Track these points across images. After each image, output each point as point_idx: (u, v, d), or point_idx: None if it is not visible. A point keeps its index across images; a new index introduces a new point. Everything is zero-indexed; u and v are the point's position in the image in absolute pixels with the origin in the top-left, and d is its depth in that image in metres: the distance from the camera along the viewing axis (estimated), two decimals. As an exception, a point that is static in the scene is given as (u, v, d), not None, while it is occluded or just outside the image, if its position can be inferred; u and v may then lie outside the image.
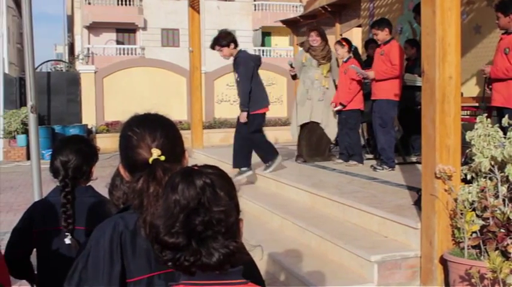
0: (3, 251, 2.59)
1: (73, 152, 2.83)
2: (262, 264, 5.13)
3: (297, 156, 9.24)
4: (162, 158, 1.84)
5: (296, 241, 5.85)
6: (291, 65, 9.14)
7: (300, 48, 18.11)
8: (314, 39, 8.76)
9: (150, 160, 1.84)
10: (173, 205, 1.49)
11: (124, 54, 37.71)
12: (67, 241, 2.71)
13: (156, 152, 1.85)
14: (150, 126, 1.91)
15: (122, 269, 1.82)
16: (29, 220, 2.87)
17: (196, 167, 1.58)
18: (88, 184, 2.92)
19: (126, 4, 39.71)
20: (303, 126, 8.97)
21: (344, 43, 8.65)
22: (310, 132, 8.97)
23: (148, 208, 1.77)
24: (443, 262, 4.45)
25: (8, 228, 7.90)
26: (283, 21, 18.32)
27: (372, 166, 7.95)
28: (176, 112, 21.86)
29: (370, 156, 9.32)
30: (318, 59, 8.78)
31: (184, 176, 1.53)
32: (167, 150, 1.87)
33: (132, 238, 1.83)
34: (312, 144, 9.06)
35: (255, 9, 42.28)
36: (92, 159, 2.92)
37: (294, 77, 9.25)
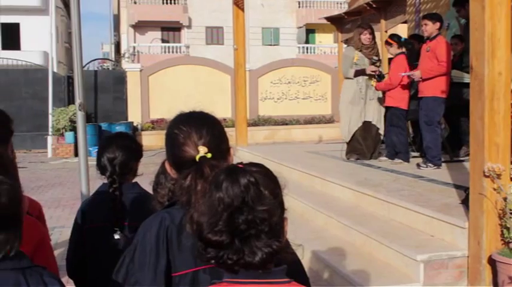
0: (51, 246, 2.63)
1: (119, 148, 2.86)
2: (306, 262, 5.11)
3: (349, 153, 9.14)
4: (209, 155, 1.85)
5: (340, 240, 5.81)
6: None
7: (344, 45, 17.95)
8: (368, 38, 8.73)
9: (197, 157, 1.85)
10: (217, 202, 1.49)
11: (169, 52, 38.07)
12: (116, 236, 2.75)
13: (202, 150, 1.86)
14: (196, 124, 1.92)
15: (167, 263, 1.84)
16: (81, 220, 2.92)
17: (241, 165, 1.57)
18: (134, 181, 2.95)
19: (171, 3, 40.07)
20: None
21: (391, 41, 8.54)
22: (366, 131, 8.90)
23: (196, 205, 1.78)
24: (492, 262, 4.36)
25: (57, 223, 8.11)
26: (328, 18, 18.21)
27: (417, 164, 7.84)
28: (220, 110, 21.97)
29: (416, 154, 9.20)
30: (370, 57, 8.75)
31: (229, 174, 1.53)
32: (213, 147, 1.88)
33: (178, 233, 1.85)
34: (369, 143, 8.99)
35: (299, 7, 42.17)
36: (138, 155, 2.94)
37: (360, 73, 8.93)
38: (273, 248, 1.48)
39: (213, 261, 1.51)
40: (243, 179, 1.50)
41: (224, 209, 1.47)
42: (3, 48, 34.86)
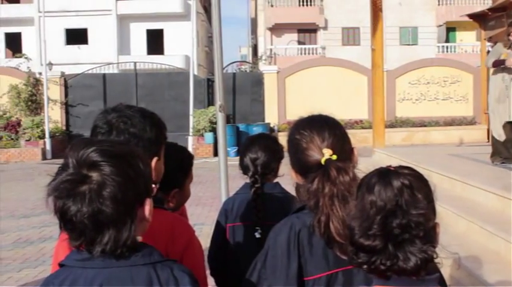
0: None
1: (261, 149, 2.92)
2: (446, 269, 4.92)
3: (493, 156, 8.70)
4: (334, 157, 1.83)
5: (483, 247, 5.55)
6: None
7: (488, 43, 17.14)
8: None
9: (323, 161, 1.84)
10: (369, 206, 1.46)
11: (305, 54, 38.35)
12: (257, 235, 2.80)
13: (327, 152, 1.84)
14: (317, 127, 1.92)
15: (298, 267, 1.84)
16: (224, 218, 3.00)
17: (392, 168, 1.53)
18: (275, 181, 2.98)
19: (307, 5, 40.32)
20: (505, 125, 8.44)
21: None
22: None
23: (324, 209, 1.77)
24: None
25: (197, 220, 8.40)
26: (470, 15, 17.50)
27: None
28: (356, 111, 21.75)
29: None
30: None
31: (381, 176, 1.49)
32: (337, 149, 1.86)
33: (309, 237, 1.85)
34: None
35: (439, 4, 40.85)
36: (279, 156, 2.98)
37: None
38: (427, 254, 1.43)
39: (364, 266, 1.48)
40: (396, 181, 1.46)
41: (377, 212, 1.44)
42: (149, 53, 36.82)
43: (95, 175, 1.39)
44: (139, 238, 1.48)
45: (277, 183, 2.98)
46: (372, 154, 12.98)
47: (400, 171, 1.51)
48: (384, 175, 1.50)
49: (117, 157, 1.43)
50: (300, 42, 41.18)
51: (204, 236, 6.12)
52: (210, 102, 22.18)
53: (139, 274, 1.43)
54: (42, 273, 6.53)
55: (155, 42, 38.09)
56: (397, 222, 1.42)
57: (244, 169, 2.94)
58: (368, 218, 1.45)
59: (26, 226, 9.36)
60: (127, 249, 1.42)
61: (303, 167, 1.90)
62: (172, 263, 1.50)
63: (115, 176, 1.39)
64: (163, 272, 1.45)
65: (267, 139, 3.04)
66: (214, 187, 11.68)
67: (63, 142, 22.45)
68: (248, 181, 2.91)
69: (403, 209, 1.43)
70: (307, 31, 41.54)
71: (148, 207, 1.48)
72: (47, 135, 20.97)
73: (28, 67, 23.30)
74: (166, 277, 1.45)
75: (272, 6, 40.45)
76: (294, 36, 41.53)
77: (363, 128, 20.36)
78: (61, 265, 1.49)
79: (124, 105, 1.94)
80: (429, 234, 1.44)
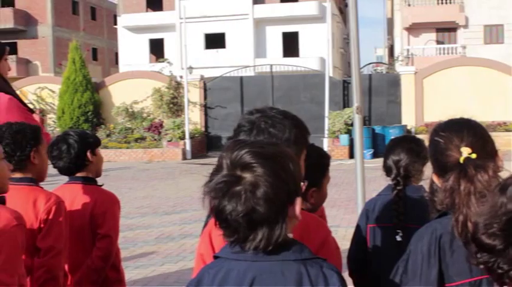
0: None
1: (404, 151, 2.90)
2: None
3: None
4: (473, 155, 1.81)
5: None
6: None
7: None
8: None
9: (461, 159, 1.82)
10: (499, 206, 1.39)
11: (444, 54, 37.05)
12: (398, 238, 2.77)
13: (466, 151, 1.82)
14: (456, 128, 1.91)
15: (439, 273, 1.82)
16: (365, 218, 3.00)
17: None
18: (420, 183, 2.94)
19: (446, 3, 38.97)
20: None
21: None
22: None
23: (461, 207, 1.75)
24: None
25: (332, 222, 8.43)
26: None
27: None
28: (500, 113, 20.76)
29: None
30: None
31: None
32: (477, 148, 1.84)
33: (451, 242, 1.82)
34: None
35: None
36: (423, 159, 2.93)
37: None
38: None
39: (482, 266, 1.42)
40: None
41: (504, 213, 1.37)
42: (284, 55, 37.27)
43: (248, 176, 1.45)
44: (290, 235, 1.53)
45: (421, 186, 2.92)
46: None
47: None
48: None
49: (269, 158, 1.48)
50: (438, 42, 39.86)
51: (339, 239, 6.08)
52: (346, 104, 22.11)
53: (290, 269, 1.48)
54: (182, 268, 6.84)
55: (290, 44, 38.47)
56: None
57: (387, 170, 2.94)
58: (494, 216, 1.38)
59: (168, 223, 9.82)
60: (278, 246, 1.48)
61: (443, 168, 1.89)
62: (322, 261, 1.54)
63: (267, 176, 1.45)
64: (313, 269, 1.49)
65: (411, 141, 3.01)
66: (349, 189, 11.63)
67: (202, 143, 23.31)
68: (391, 182, 2.90)
69: None
70: (446, 30, 40.10)
71: (298, 206, 1.52)
72: (187, 136, 21.86)
73: (170, 71, 24.44)
74: (316, 274, 1.48)
75: (409, 5, 39.48)
76: (432, 35, 40.25)
77: (506, 130, 19.35)
78: (216, 256, 1.58)
79: (268, 107, 2.02)
80: None
